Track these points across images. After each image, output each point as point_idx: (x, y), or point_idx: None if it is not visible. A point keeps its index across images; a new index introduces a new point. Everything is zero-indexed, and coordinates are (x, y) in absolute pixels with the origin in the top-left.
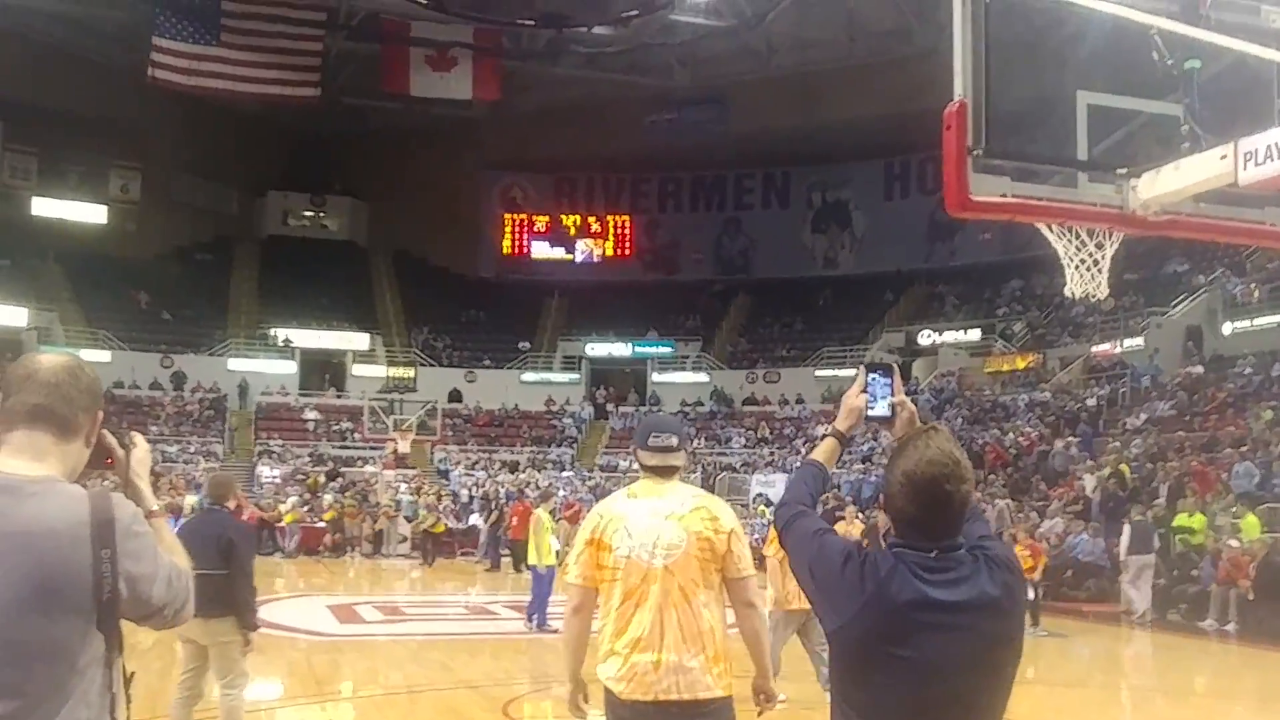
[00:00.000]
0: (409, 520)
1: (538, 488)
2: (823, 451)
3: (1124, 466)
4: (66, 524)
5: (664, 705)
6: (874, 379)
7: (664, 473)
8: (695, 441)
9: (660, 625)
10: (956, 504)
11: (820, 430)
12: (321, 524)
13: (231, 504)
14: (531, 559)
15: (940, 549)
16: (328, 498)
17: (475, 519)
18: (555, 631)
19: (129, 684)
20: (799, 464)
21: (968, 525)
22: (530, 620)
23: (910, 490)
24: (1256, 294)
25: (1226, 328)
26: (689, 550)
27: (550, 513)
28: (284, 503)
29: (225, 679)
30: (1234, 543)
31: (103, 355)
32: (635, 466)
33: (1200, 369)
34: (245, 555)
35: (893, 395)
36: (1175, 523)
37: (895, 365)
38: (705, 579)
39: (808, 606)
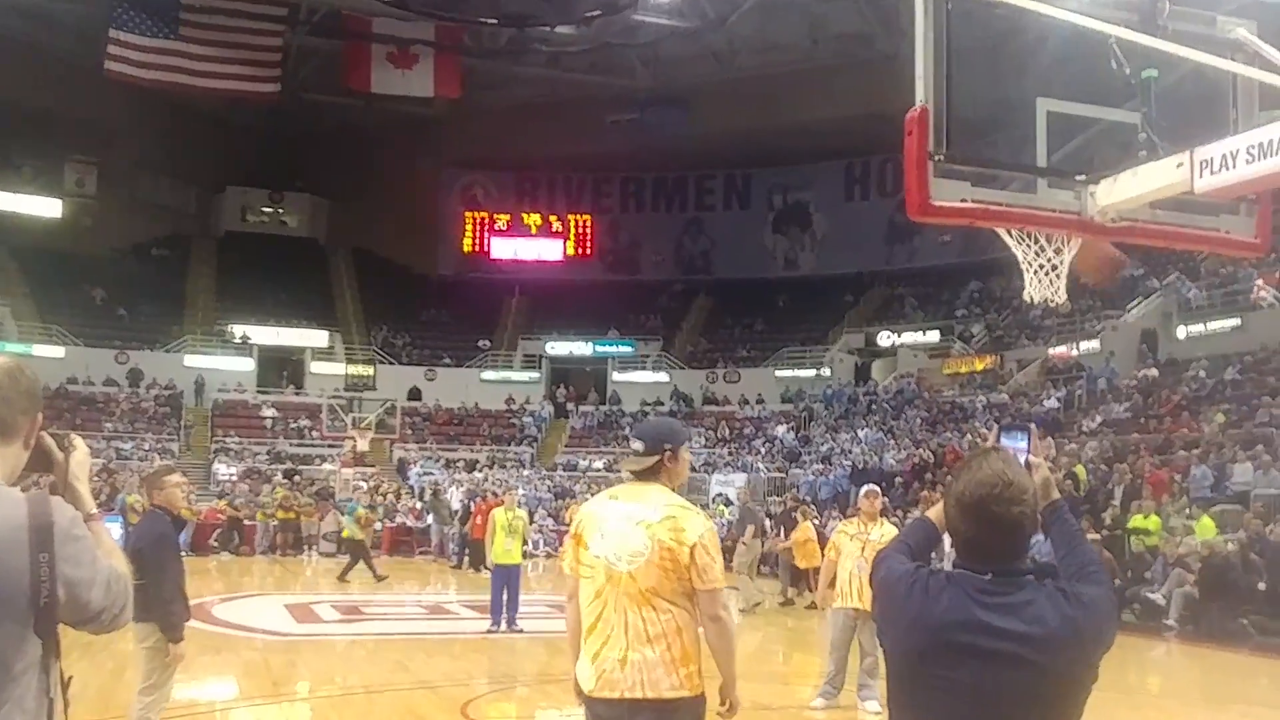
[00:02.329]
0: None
1: (500, 485)
2: (936, 511)
3: (1079, 468)
4: (3, 528)
5: (630, 703)
6: (1006, 440)
7: (639, 475)
8: None
9: (625, 625)
10: (1007, 525)
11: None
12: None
13: (168, 503)
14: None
15: (995, 572)
16: (279, 493)
17: (431, 518)
18: (522, 632)
19: (66, 688)
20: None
21: (1066, 558)
22: (496, 623)
23: (960, 511)
24: (1209, 298)
25: (1180, 331)
26: (651, 558)
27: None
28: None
29: (142, 684)
30: (1189, 540)
31: (57, 351)
32: (595, 465)
33: (1155, 372)
34: (151, 564)
35: (1028, 456)
36: (1130, 524)
37: (1032, 426)
38: (669, 585)
39: (852, 606)
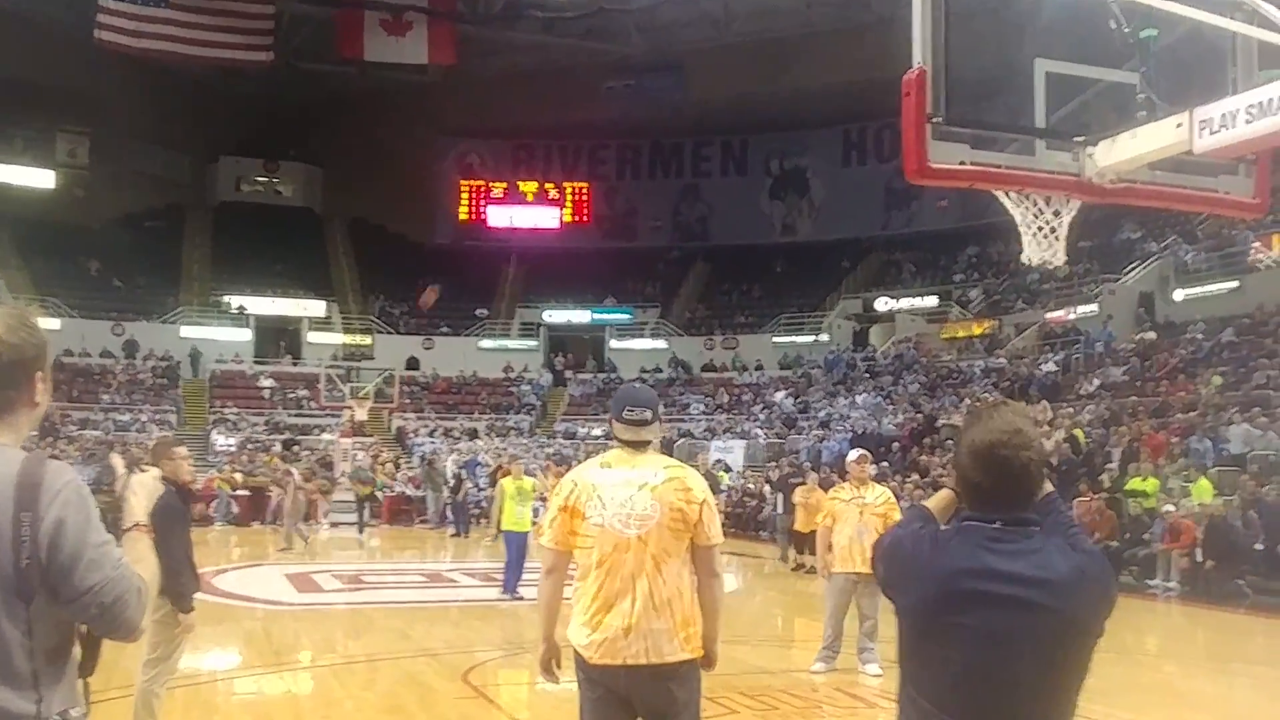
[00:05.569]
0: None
1: (501, 455)
2: (935, 501)
3: (1078, 431)
4: None
5: (632, 669)
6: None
7: (637, 445)
8: None
9: (632, 593)
10: (1017, 471)
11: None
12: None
13: (174, 472)
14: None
15: (1005, 520)
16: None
17: (427, 487)
18: (522, 599)
19: (83, 670)
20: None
21: (1049, 519)
22: (505, 589)
23: (972, 459)
24: (1206, 260)
25: (1178, 294)
26: (661, 520)
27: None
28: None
29: (147, 656)
30: (1170, 508)
31: (53, 323)
32: (594, 433)
33: (1152, 335)
34: (157, 534)
35: None
36: (1128, 486)
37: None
38: (676, 548)
39: (851, 570)
